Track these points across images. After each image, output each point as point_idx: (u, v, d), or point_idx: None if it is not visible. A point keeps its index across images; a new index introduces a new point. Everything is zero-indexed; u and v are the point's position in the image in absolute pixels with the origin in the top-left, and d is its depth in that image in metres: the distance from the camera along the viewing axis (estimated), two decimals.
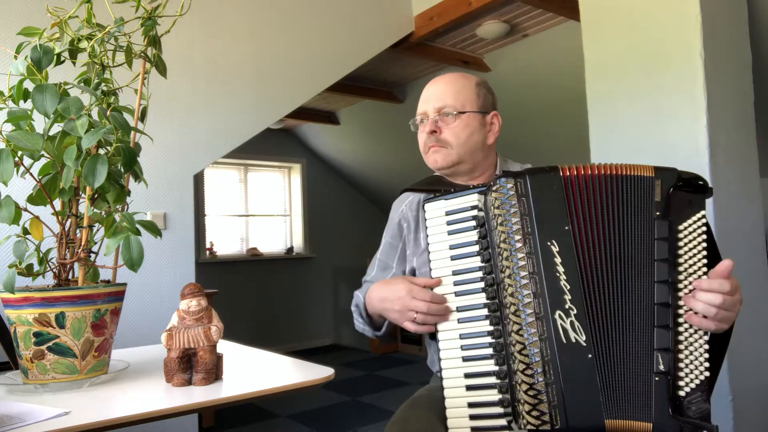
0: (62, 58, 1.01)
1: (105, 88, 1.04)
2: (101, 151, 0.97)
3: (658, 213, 0.97)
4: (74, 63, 1.04)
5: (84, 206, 0.98)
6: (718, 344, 0.98)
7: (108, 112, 0.96)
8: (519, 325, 0.96)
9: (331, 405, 3.80)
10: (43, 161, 0.98)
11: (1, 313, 0.99)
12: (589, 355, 0.93)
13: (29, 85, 0.96)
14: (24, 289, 0.92)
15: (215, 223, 5.54)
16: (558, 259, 0.96)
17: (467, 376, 1.00)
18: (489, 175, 1.31)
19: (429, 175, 1.41)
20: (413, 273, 1.33)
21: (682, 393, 0.92)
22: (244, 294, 5.52)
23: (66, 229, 0.99)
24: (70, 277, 1.00)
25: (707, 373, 0.92)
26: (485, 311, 1.01)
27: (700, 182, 0.98)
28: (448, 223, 1.06)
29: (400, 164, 5.50)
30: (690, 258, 0.96)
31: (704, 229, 0.96)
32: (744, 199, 1.97)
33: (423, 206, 1.10)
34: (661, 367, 0.92)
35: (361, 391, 4.13)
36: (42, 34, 0.99)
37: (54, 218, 0.99)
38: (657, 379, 0.92)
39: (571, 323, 0.94)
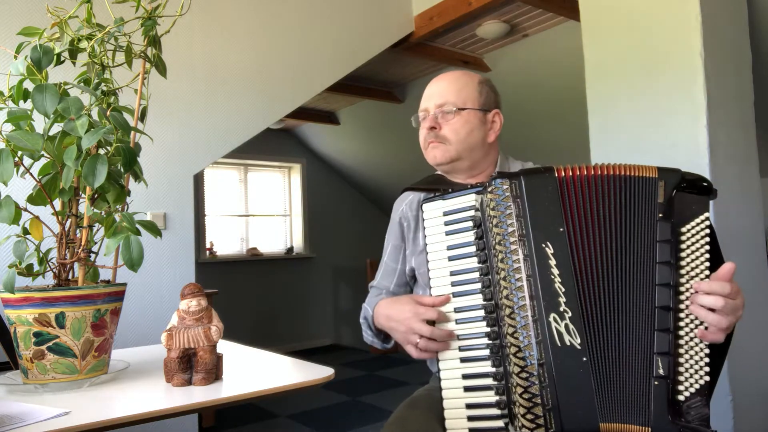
0: (62, 58, 1.01)
1: (105, 88, 1.04)
2: (101, 151, 0.97)
3: (660, 215, 0.96)
4: (74, 63, 1.04)
5: (84, 206, 0.98)
6: (719, 348, 0.98)
7: (108, 112, 0.96)
8: (514, 327, 0.95)
9: (331, 405, 3.80)
10: (43, 161, 0.98)
11: (1, 313, 0.99)
12: (584, 358, 0.92)
13: (29, 85, 0.96)
14: (24, 289, 0.92)
15: (215, 223, 5.54)
16: (552, 261, 0.95)
17: (465, 377, 1.00)
18: (489, 173, 1.32)
19: (429, 174, 1.41)
20: (413, 272, 1.33)
21: (681, 397, 0.91)
22: (244, 294, 5.52)
23: (66, 229, 0.99)
24: (70, 277, 1.00)
25: (707, 378, 0.91)
26: (482, 312, 1.00)
27: (704, 183, 0.97)
28: (446, 224, 1.06)
29: (400, 164, 5.50)
30: (692, 261, 0.95)
31: (708, 231, 0.95)
32: (744, 199, 1.97)
33: (421, 206, 1.10)
34: (661, 371, 0.92)
35: (361, 391, 4.13)
36: (42, 34, 0.99)
37: (54, 218, 0.99)
38: (656, 383, 0.91)
39: (566, 326, 0.93)
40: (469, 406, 0.99)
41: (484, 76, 1.33)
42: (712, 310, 0.91)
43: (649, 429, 0.90)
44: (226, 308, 5.07)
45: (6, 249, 2.01)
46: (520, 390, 0.93)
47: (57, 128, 0.95)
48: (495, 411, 0.97)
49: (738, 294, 0.94)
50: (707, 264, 0.94)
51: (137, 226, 0.93)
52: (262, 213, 5.93)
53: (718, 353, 0.96)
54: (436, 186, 1.29)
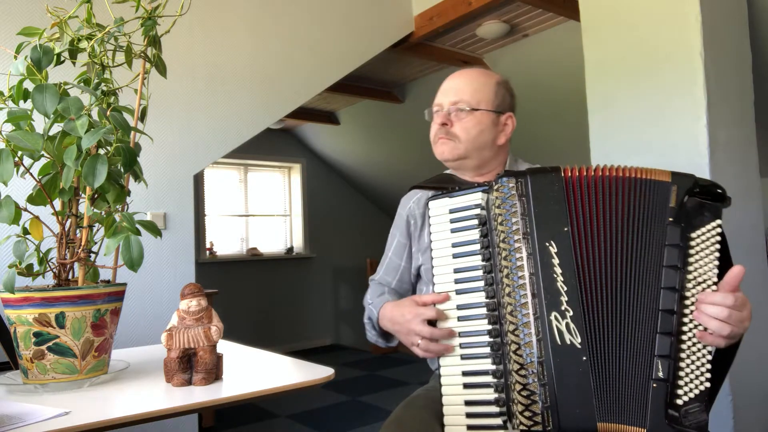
0: (62, 58, 1.01)
1: (105, 88, 1.04)
2: (101, 151, 0.97)
3: (671, 219, 0.96)
4: (74, 63, 1.04)
5: (84, 206, 0.98)
6: (723, 358, 0.98)
7: (108, 112, 0.96)
8: (515, 325, 0.95)
9: (331, 405, 3.80)
10: (43, 161, 0.98)
11: (1, 313, 0.99)
12: (584, 358, 0.92)
13: (29, 85, 0.96)
14: (24, 289, 0.92)
15: (215, 223, 5.54)
16: (556, 260, 0.95)
17: (465, 374, 1.00)
18: (493, 171, 1.32)
19: (437, 174, 1.41)
20: (418, 270, 1.34)
21: (679, 402, 0.91)
22: (244, 294, 5.52)
23: (66, 229, 0.99)
24: (70, 277, 1.00)
25: (708, 384, 0.91)
26: (484, 310, 1.01)
27: (718, 190, 0.96)
28: (452, 221, 1.07)
29: (400, 164, 5.51)
30: (701, 267, 0.94)
31: (718, 239, 0.95)
32: (744, 199, 1.97)
33: (428, 203, 1.11)
34: (660, 374, 0.91)
35: (361, 391, 4.13)
36: (42, 34, 0.99)
37: (54, 218, 0.99)
38: (655, 385, 0.91)
39: (567, 325, 0.93)
40: (468, 403, 0.99)
41: (504, 77, 1.33)
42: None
43: (645, 430, 0.90)
44: (226, 308, 5.07)
45: (6, 249, 2.01)
46: (518, 387, 0.93)
47: (57, 128, 0.95)
48: (494, 408, 0.97)
49: (744, 305, 0.93)
50: (716, 271, 0.94)
51: (137, 226, 0.93)
52: (262, 213, 5.93)
53: (722, 362, 0.96)
54: (444, 185, 1.29)
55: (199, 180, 5.19)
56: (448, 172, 1.39)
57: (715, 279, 0.93)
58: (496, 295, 0.99)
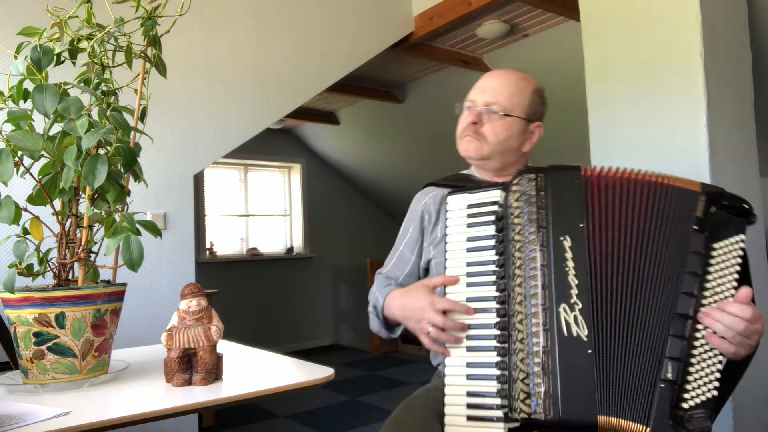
0: (62, 58, 1.01)
1: (105, 88, 1.04)
2: (101, 151, 0.97)
3: (696, 227, 0.97)
4: (74, 63, 1.04)
5: (84, 206, 0.98)
6: (735, 370, 0.99)
7: (108, 112, 0.96)
8: (523, 314, 0.96)
9: (331, 405, 3.80)
10: (43, 161, 0.98)
11: (1, 313, 0.99)
12: (589, 351, 0.92)
13: (29, 85, 0.96)
14: (24, 289, 0.92)
15: (215, 223, 5.54)
16: (569, 254, 0.97)
17: (469, 365, 1.01)
18: (512, 175, 1.33)
19: (448, 173, 1.42)
20: (428, 264, 1.34)
21: (685, 405, 0.91)
22: (244, 294, 5.52)
23: (66, 229, 0.99)
24: (70, 277, 1.00)
25: (715, 393, 0.91)
26: (493, 303, 1.01)
27: (745, 206, 0.98)
28: (468, 216, 1.08)
29: (400, 164, 5.50)
30: (720, 277, 0.95)
31: (740, 253, 0.96)
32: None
33: (446, 198, 1.12)
34: (669, 375, 0.92)
35: (361, 391, 4.13)
36: (42, 34, 0.99)
37: (54, 218, 0.99)
38: (663, 386, 0.92)
39: (575, 317, 0.94)
40: (470, 394, 0.99)
41: (540, 85, 1.33)
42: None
43: (648, 429, 0.91)
44: (226, 308, 5.07)
45: (6, 249, 2.01)
46: (522, 375, 0.94)
47: (57, 128, 0.95)
48: (496, 400, 0.97)
49: (759, 319, 0.94)
50: (734, 284, 0.95)
51: (137, 226, 0.93)
52: (262, 213, 5.93)
53: (733, 375, 0.98)
54: (461, 183, 1.30)
55: (199, 180, 5.19)
56: (464, 172, 1.40)
57: (733, 291, 0.94)
58: (507, 287, 1.00)
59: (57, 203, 1.00)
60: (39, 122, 0.94)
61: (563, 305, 0.94)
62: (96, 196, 1.00)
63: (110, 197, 0.98)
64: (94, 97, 0.98)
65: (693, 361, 0.93)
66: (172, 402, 0.84)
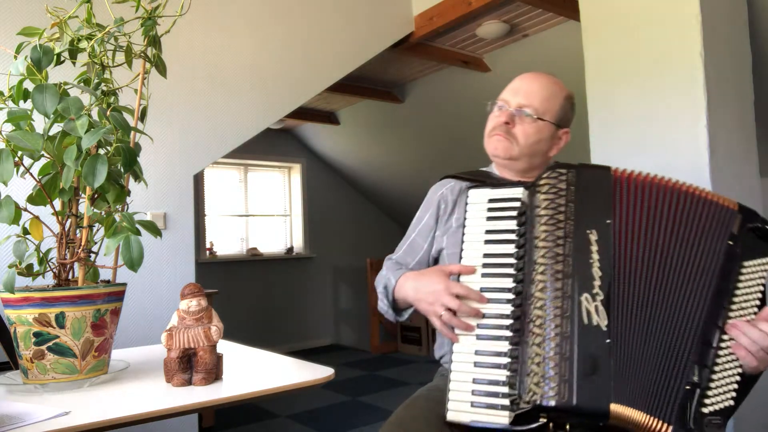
0: (62, 58, 1.01)
1: (105, 88, 1.04)
2: (101, 151, 0.97)
3: (730, 242, 1.02)
4: (74, 63, 1.04)
5: (84, 206, 0.98)
6: (748, 383, 1.01)
7: (108, 112, 0.96)
8: (543, 301, 0.97)
9: (331, 405, 3.80)
10: (43, 161, 0.98)
11: (1, 313, 0.99)
12: (607, 340, 0.94)
13: (29, 85, 0.96)
14: (24, 289, 0.92)
15: (215, 223, 5.54)
16: (594, 247, 0.99)
17: (478, 353, 1.01)
18: (534, 177, 1.33)
19: (473, 170, 1.42)
20: (439, 253, 1.34)
21: (705, 410, 0.94)
22: (244, 294, 5.52)
23: (66, 229, 0.99)
24: (70, 277, 1.00)
25: (732, 402, 0.95)
26: (509, 295, 1.02)
27: None
28: (489, 210, 1.09)
29: (400, 164, 5.50)
30: (746, 294, 1.00)
31: (765, 274, 1.01)
32: (744, 199, 1.97)
33: (467, 191, 1.13)
34: (695, 379, 0.95)
35: (361, 391, 4.13)
36: (42, 34, 0.99)
37: (54, 218, 0.99)
38: (688, 387, 0.95)
39: (596, 307, 0.95)
40: (476, 381, 0.99)
41: (571, 92, 1.35)
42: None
43: (669, 428, 0.93)
44: (226, 308, 5.07)
45: (6, 249, 2.01)
46: (538, 359, 0.94)
47: (57, 128, 0.95)
48: (503, 389, 0.97)
49: None
50: (758, 303, 0.99)
51: (137, 226, 0.93)
52: (262, 213, 5.93)
53: (745, 386, 1.00)
54: (481, 179, 1.31)
55: (199, 180, 5.19)
56: (484, 169, 1.41)
57: (756, 309, 0.99)
58: (525, 280, 1.01)
59: (57, 203, 1.00)
60: (39, 122, 0.94)
61: (585, 294, 0.96)
62: (96, 196, 1.00)
63: (110, 197, 0.98)
64: (94, 97, 0.98)
65: (716, 369, 0.96)
66: (172, 402, 0.84)
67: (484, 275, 1.06)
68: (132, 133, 1.03)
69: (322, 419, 3.52)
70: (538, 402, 0.92)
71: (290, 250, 5.99)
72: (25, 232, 0.98)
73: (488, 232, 1.08)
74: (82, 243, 0.97)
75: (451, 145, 4.75)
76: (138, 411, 0.79)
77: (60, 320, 0.90)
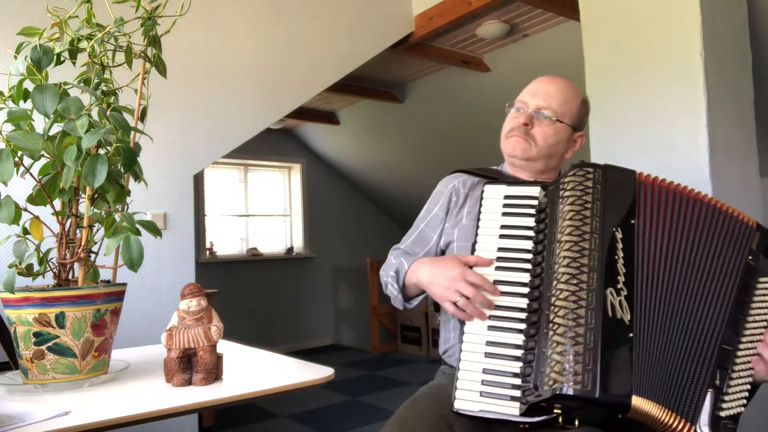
0: (62, 58, 1.01)
1: (105, 88, 1.04)
2: (101, 151, 0.97)
3: (750, 257, 1.07)
4: (74, 63, 1.04)
5: (84, 206, 0.98)
6: (752, 390, 1.04)
7: (108, 112, 0.96)
8: (568, 292, 0.98)
9: (331, 405, 3.80)
10: (43, 161, 0.98)
11: (1, 313, 0.99)
12: (630, 334, 0.95)
13: (29, 85, 0.96)
14: (24, 289, 0.92)
15: (215, 223, 5.54)
16: (620, 245, 1.01)
17: (489, 344, 1.02)
18: (549, 178, 1.35)
19: (485, 167, 1.43)
20: (448, 245, 1.34)
21: (722, 414, 0.97)
22: (244, 294, 5.52)
23: (66, 229, 0.99)
24: (70, 277, 1.00)
25: (742, 408, 0.99)
26: (524, 289, 1.04)
27: None
28: (504, 206, 1.12)
29: (400, 164, 5.50)
30: (759, 308, 1.05)
31: None
32: (744, 199, 1.97)
33: (483, 186, 1.15)
34: (717, 382, 0.98)
35: (361, 391, 4.13)
36: (42, 34, 0.99)
37: (54, 218, 0.99)
38: (711, 390, 0.97)
39: (620, 302, 0.97)
40: (486, 371, 1.00)
41: (586, 96, 1.37)
42: None
43: (693, 428, 0.95)
44: (226, 308, 5.07)
45: (6, 249, 2.01)
46: (560, 348, 0.94)
47: (57, 128, 0.95)
48: (515, 380, 0.98)
49: None
50: None
51: (137, 226, 0.93)
52: (262, 213, 5.93)
53: (751, 394, 1.04)
54: (494, 176, 1.32)
55: (199, 180, 5.19)
56: (496, 167, 1.42)
57: (766, 323, 1.04)
58: (544, 273, 1.02)
59: (57, 203, 1.00)
60: (39, 122, 0.94)
61: (610, 289, 0.98)
62: (96, 196, 1.00)
63: (110, 197, 0.98)
64: (94, 97, 0.98)
65: (734, 375, 1.00)
66: (172, 402, 0.84)
67: (498, 268, 1.08)
68: (132, 133, 1.03)
69: (322, 419, 3.52)
70: (560, 390, 0.91)
71: (290, 250, 5.99)
72: (25, 232, 0.98)
73: (503, 227, 1.10)
74: (82, 243, 0.97)
75: (452, 144, 4.75)
76: (138, 411, 0.79)
77: (60, 320, 0.90)
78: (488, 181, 1.17)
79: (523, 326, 1.01)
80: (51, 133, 0.96)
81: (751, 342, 1.03)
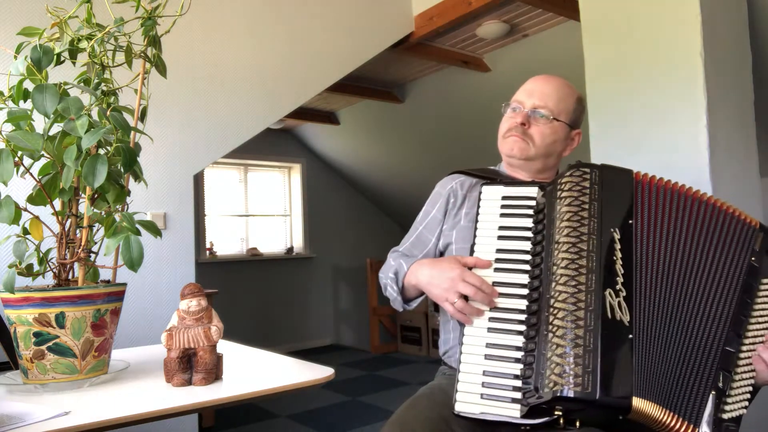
0: (62, 58, 1.01)
1: (105, 88, 1.04)
2: (101, 151, 0.97)
3: (753, 258, 1.06)
4: (74, 63, 1.04)
5: (84, 206, 0.98)
6: (753, 393, 1.04)
7: (108, 112, 0.96)
8: (567, 294, 0.97)
9: (331, 405, 3.80)
10: (43, 161, 0.98)
11: (1, 313, 0.99)
12: (630, 336, 0.95)
13: (29, 85, 0.96)
14: (24, 289, 0.92)
15: (215, 223, 5.54)
16: (617, 246, 1.01)
17: (489, 345, 1.02)
18: (547, 177, 1.35)
19: (483, 167, 1.43)
20: (446, 247, 1.35)
21: (724, 416, 0.97)
22: (244, 294, 5.52)
23: (66, 229, 0.99)
24: (70, 277, 1.00)
25: (744, 411, 0.98)
26: (523, 290, 1.03)
27: None
28: (502, 207, 1.11)
29: (400, 164, 5.50)
30: (761, 310, 1.04)
31: None
32: (744, 199, 1.97)
33: (481, 187, 1.15)
34: (720, 385, 0.97)
35: (361, 391, 4.13)
36: (42, 34, 0.99)
37: (54, 218, 0.99)
38: (714, 393, 0.97)
39: (619, 303, 0.97)
40: (486, 374, 1.00)
41: (581, 94, 1.37)
42: None
43: (689, 426, 0.95)
44: (226, 308, 5.07)
45: (6, 249, 2.01)
46: (559, 351, 0.94)
47: (57, 128, 0.95)
48: (516, 383, 0.98)
49: None
50: None
51: (137, 226, 0.93)
52: (262, 213, 5.93)
53: (752, 396, 1.03)
54: (492, 176, 1.32)
55: (199, 180, 5.19)
56: (493, 167, 1.42)
57: (767, 325, 1.03)
58: (543, 274, 1.02)
59: (57, 203, 1.00)
60: (39, 122, 0.94)
61: (609, 290, 0.97)
62: (96, 196, 1.00)
63: (110, 197, 0.98)
64: (94, 97, 0.98)
65: (736, 377, 0.99)
66: (172, 402, 0.84)
67: (497, 269, 1.08)
68: (132, 133, 1.03)
69: (322, 419, 3.52)
70: (560, 393, 0.91)
71: (290, 250, 5.99)
72: (25, 232, 0.98)
73: (501, 228, 1.10)
74: (82, 243, 0.97)
75: (451, 144, 4.75)
76: (138, 411, 0.79)
77: (60, 320, 0.90)
78: (486, 181, 1.16)
79: (522, 328, 1.01)
80: (51, 133, 0.96)
81: (754, 343, 1.03)
